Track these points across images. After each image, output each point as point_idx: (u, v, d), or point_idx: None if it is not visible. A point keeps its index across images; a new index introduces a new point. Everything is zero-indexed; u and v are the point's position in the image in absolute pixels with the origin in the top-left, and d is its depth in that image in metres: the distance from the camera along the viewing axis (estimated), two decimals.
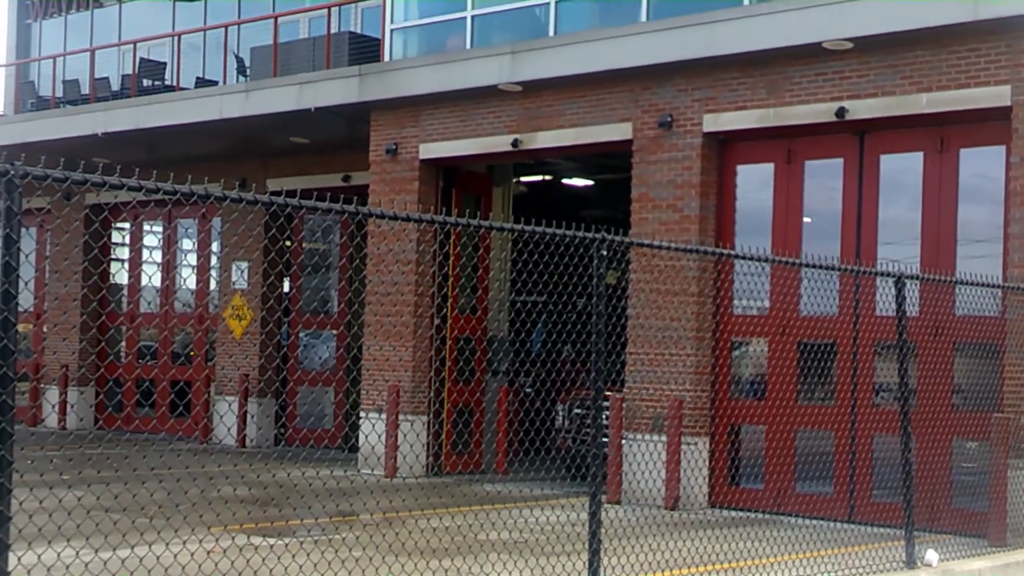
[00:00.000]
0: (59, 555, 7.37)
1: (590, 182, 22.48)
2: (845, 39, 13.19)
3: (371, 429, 16.77)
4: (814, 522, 12.71)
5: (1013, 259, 12.31)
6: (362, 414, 17.57)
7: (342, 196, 6.82)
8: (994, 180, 12.86)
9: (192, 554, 7.71)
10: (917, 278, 10.52)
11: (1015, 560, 10.62)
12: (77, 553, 7.56)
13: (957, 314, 12.64)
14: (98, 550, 8.28)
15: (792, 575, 8.97)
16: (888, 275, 10.12)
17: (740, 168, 14.74)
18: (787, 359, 14.00)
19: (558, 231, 7.53)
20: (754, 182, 14.69)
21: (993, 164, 12.87)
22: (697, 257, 14.18)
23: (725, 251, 9.45)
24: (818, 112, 13.70)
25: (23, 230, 5.21)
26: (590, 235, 7.61)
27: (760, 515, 13.59)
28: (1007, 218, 12.53)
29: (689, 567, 9.29)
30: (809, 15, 13.43)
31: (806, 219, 14.31)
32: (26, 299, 24.58)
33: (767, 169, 14.53)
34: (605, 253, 7.61)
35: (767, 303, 14.27)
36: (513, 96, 16.19)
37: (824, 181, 14.17)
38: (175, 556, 7.57)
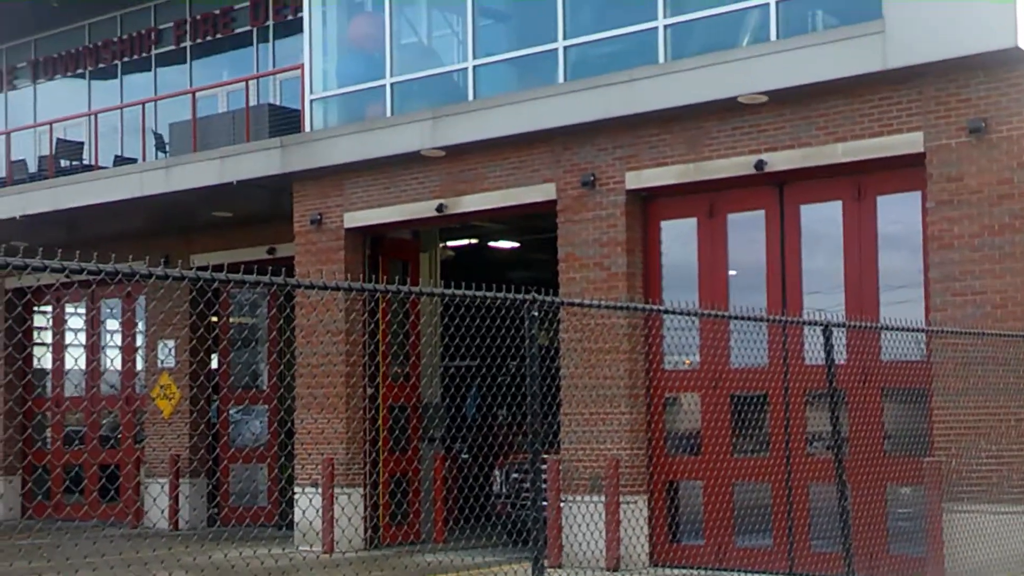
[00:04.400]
0: None
1: (517, 244, 22.56)
2: (760, 92, 13.39)
3: (307, 504, 16.53)
4: None
5: (935, 303, 12.50)
6: (297, 489, 17.33)
7: (269, 268, 6.76)
8: (911, 226, 13.08)
9: None
10: (843, 326, 10.62)
11: None
12: None
13: (884, 359, 12.77)
14: None
15: None
16: (815, 324, 10.19)
17: (664, 224, 14.86)
18: (720, 412, 14.05)
19: (488, 294, 7.50)
20: (678, 237, 14.82)
21: (910, 210, 13.09)
22: (627, 314, 14.23)
23: (654, 307, 9.48)
24: (738, 165, 13.87)
25: None
26: (520, 296, 7.58)
27: (702, 571, 13.55)
28: (926, 263, 12.74)
29: None
30: (724, 70, 13.63)
31: (731, 272, 14.44)
32: None
33: (690, 224, 14.66)
34: (536, 314, 7.58)
35: (698, 357, 14.34)
36: (436, 161, 16.23)
37: (747, 233, 14.32)
38: None
